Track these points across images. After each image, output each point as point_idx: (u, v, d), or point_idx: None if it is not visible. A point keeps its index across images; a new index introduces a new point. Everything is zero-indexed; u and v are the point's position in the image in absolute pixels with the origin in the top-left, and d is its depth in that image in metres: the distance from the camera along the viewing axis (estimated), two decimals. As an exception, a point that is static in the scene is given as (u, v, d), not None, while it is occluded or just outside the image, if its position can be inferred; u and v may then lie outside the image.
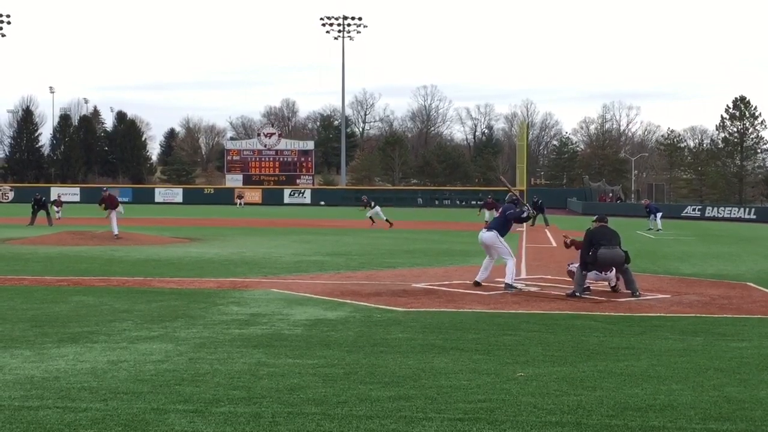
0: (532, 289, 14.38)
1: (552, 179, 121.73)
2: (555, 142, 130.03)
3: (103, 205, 28.29)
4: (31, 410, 6.15)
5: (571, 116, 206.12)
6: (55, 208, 43.22)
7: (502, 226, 14.69)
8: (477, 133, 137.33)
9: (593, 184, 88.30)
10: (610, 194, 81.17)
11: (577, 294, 13.19)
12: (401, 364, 7.91)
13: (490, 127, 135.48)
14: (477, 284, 14.45)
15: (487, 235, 14.57)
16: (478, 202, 50.30)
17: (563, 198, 79.36)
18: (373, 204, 40.19)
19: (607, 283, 14.16)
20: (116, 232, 26.20)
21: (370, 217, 39.46)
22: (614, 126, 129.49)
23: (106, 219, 27.59)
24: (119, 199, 36.76)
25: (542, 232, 33.72)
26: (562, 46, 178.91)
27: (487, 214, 38.06)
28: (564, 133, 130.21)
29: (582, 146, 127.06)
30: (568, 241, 14.79)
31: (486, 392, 6.82)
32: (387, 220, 38.23)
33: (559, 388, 6.98)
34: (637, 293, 13.32)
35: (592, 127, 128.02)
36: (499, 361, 8.12)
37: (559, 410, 6.30)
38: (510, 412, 6.24)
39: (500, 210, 14.98)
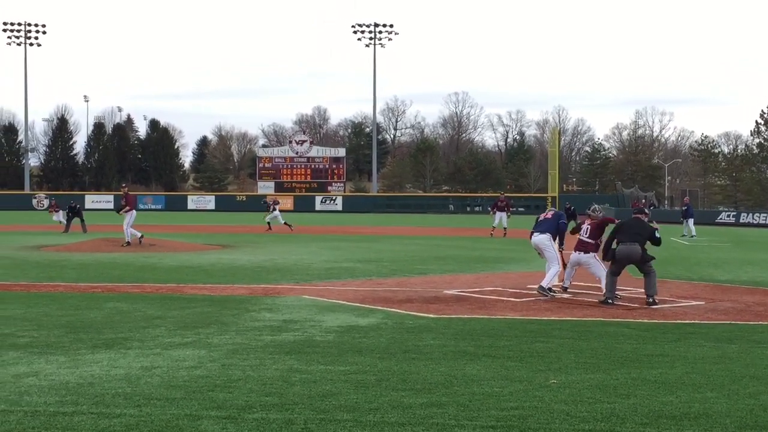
0: (565, 296, 14.29)
1: (584, 185, 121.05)
2: (587, 149, 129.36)
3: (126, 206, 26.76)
4: (66, 416, 6.22)
5: (603, 122, 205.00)
6: (55, 217, 42.29)
7: (555, 231, 14.65)
8: (508, 140, 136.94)
9: (626, 190, 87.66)
10: (643, 200, 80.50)
11: (610, 301, 13.08)
12: (433, 370, 7.90)
13: (521, 134, 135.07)
14: (564, 290, 14.54)
15: (540, 238, 14.51)
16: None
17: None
18: (273, 208, 40.12)
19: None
20: (129, 239, 25.93)
21: (268, 222, 39.20)
22: (647, 132, 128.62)
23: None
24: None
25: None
26: (594, 52, 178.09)
27: (497, 218, 36.06)
28: (596, 140, 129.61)
29: (614, 152, 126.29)
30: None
31: (518, 399, 6.78)
32: (286, 224, 38.20)
33: (593, 396, 6.93)
34: (651, 299, 12.96)
35: (624, 133, 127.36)
36: (532, 368, 8.08)
37: (592, 418, 6.25)
38: (543, 419, 6.20)
39: (552, 215, 14.95)
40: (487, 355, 8.74)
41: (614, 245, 13.38)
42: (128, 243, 25.65)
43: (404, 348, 9.11)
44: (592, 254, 14.31)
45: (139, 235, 26.21)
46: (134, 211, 26.81)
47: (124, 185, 32.57)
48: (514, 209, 46.12)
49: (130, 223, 26.32)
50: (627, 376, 7.75)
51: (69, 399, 6.72)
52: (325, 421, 6.11)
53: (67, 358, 8.43)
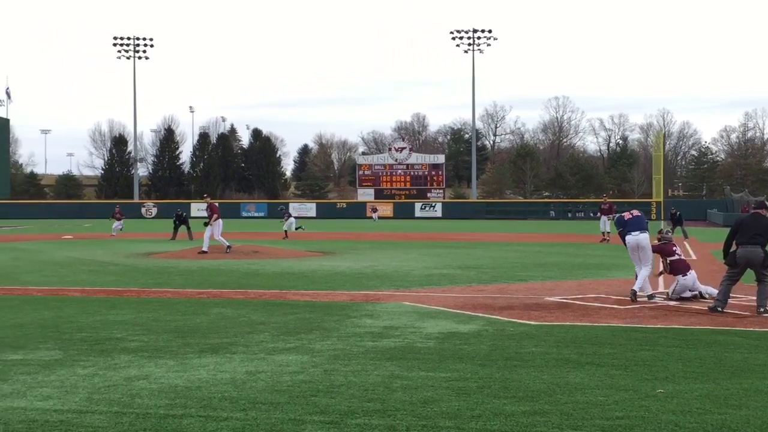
0: (671, 303, 13.93)
1: (691, 190, 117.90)
2: (693, 152, 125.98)
3: (214, 215, 27.12)
4: (175, 418, 6.39)
5: (710, 125, 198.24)
6: (117, 224, 42.41)
7: None
8: (611, 144, 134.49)
9: (735, 194, 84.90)
10: (753, 205, 77.87)
11: (719, 309, 12.65)
12: (535, 378, 7.81)
13: (624, 138, 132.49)
14: (652, 297, 14.31)
15: (644, 237, 14.40)
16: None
17: (703, 209, 76.64)
18: (289, 215, 40.08)
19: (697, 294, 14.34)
20: (227, 243, 26.46)
21: (299, 228, 39.32)
22: (757, 134, 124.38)
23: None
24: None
25: (681, 245, 32.65)
26: (699, 52, 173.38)
27: (602, 222, 35.61)
28: (703, 143, 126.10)
29: (722, 156, 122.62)
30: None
31: (624, 409, 6.65)
32: (286, 232, 38.30)
33: (702, 406, 6.74)
34: (763, 309, 12.39)
35: (733, 136, 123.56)
36: (637, 377, 7.90)
37: (702, 429, 6.08)
38: (650, 430, 6.06)
39: (640, 213, 14.92)
40: (591, 363, 8.59)
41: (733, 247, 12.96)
42: (205, 251, 25.94)
43: (505, 355, 9.04)
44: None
45: (205, 248, 26.20)
46: (221, 220, 27.27)
47: (205, 195, 33.03)
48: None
49: (219, 232, 26.81)
50: (738, 386, 7.51)
51: (178, 402, 6.90)
52: (427, 428, 6.12)
53: (176, 362, 8.67)
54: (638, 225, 14.49)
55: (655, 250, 15.09)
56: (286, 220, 39.82)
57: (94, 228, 52.40)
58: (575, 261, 24.01)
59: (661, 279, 15.81)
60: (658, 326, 11.30)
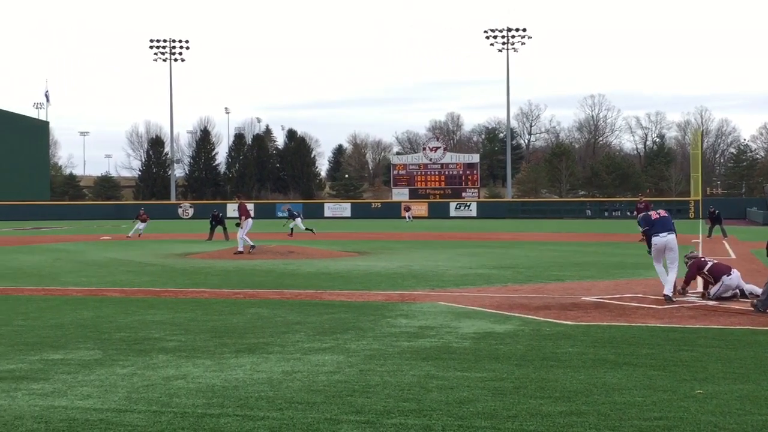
0: (710, 302, 13.77)
1: (729, 188, 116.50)
2: (732, 150, 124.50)
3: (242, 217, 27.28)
4: (213, 417, 6.44)
5: (749, 122, 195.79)
6: (139, 225, 41.55)
7: None
8: (648, 143, 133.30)
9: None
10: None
11: (761, 309, 12.48)
12: (572, 378, 7.76)
13: (661, 136, 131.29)
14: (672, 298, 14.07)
15: (673, 238, 14.21)
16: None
17: (742, 208, 75.65)
18: (295, 215, 40.54)
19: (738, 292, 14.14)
20: (241, 248, 26.34)
21: (291, 229, 39.47)
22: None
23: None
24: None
25: (720, 244, 32.27)
26: (737, 48, 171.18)
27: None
28: (742, 141, 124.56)
29: (762, 153, 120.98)
30: None
31: (662, 410, 6.59)
32: (309, 229, 38.74)
33: (742, 407, 6.65)
34: None
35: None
36: (676, 377, 7.83)
37: (742, 430, 6.01)
38: (689, 431, 6.00)
39: (667, 214, 14.61)
40: (628, 363, 8.52)
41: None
42: (241, 251, 26.10)
43: (542, 355, 9.00)
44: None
45: (240, 248, 26.32)
46: (250, 220, 27.41)
47: (236, 196, 33.26)
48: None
49: (245, 231, 26.90)
50: (779, 387, 7.41)
51: (215, 401, 6.96)
52: (462, 428, 6.11)
53: (213, 361, 8.73)
54: (666, 226, 14.26)
55: (691, 273, 14.87)
56: (293, 219, 40.48)
57: (132, 229, 52.87)
58: (612, 260, 23.82)
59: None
60: (697, 326, 11.18)
